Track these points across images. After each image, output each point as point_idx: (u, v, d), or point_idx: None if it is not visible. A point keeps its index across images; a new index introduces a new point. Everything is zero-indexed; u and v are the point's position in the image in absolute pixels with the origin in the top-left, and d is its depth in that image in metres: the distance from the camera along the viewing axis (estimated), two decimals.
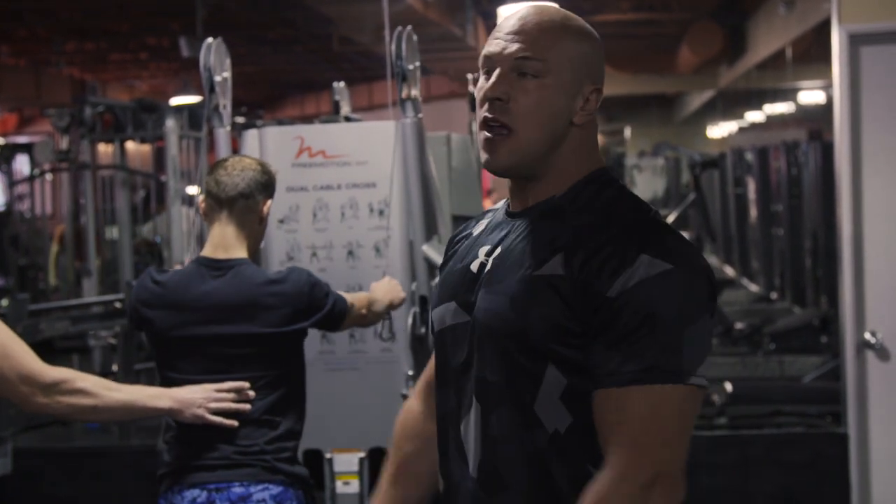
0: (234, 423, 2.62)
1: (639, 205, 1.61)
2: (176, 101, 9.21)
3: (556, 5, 1.68)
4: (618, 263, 1.50)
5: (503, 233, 1.66)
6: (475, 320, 1.62)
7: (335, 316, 2.82)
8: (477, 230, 1.75)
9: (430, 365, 1.80)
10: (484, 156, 1.62)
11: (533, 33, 1.59)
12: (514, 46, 1.59)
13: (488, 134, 1.60)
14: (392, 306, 3.15)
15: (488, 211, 1.80)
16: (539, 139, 1.60)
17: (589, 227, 1.56)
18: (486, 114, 1.60)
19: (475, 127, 1.81)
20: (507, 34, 1.60)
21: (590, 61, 1.63)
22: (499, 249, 1.64)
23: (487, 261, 1.64)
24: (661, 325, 1.48)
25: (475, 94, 1.64)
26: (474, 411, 1.61)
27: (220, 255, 2.74)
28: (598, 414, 1.52)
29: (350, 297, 2.93)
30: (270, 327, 2.69)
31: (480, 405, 1.60)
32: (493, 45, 1.61)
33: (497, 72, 1.59)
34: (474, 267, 1.66)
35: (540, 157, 1.61)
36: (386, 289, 3.15)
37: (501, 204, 1.76)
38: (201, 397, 2.58)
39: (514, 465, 1.58)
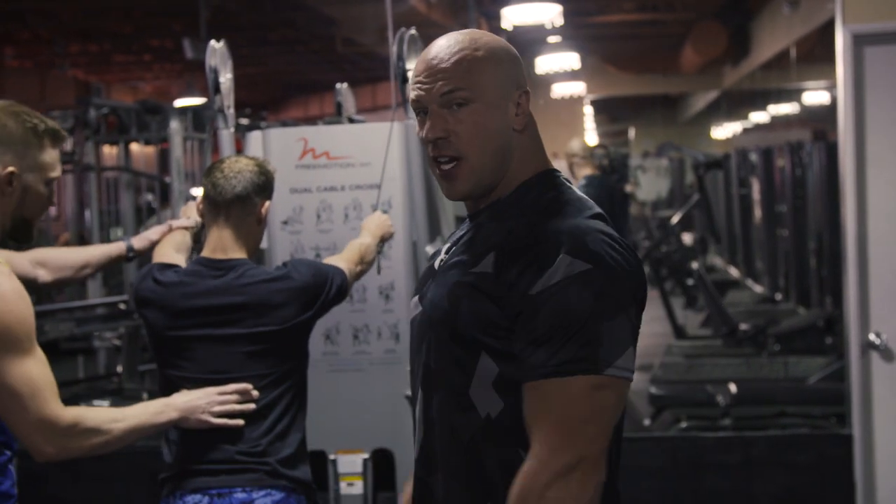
0: (240, 422, 2.60)
1: (575, 206, 1.70)
2: (180, 102, 9.23)
3: (466, 31, 1.76)
4: (540, 263, 1.61)
5: (461, 232, 1.82)
6: (424, 311, 1.77)
7: (338, 294, 2.83)
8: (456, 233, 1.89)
9: None
10: (444, 187, 1.75)
11: (450, 67, 1.70)
12: (437, 84, 1.70)
13: (444, 167, 1.72)
14: (384, 241, 3.22)
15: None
16: (489, 159, 1.71)
17: (521, 227, 1.67)
18: (434, 153, 1.72)
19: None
20: (427, 76, 1.71)
21: (509, 71, 1.74)
22: (454, 248, 1.78)
23: (445, 259, 1.79)
24: (577, 321, 1.58)
25: (418, 135, 1.75)
26: (420, 395, 1.76)
27: (220, 256, 2.74)
28: (524, 406, 1.62)
29: (344, 261, 2.93)
30: (279, 324, 2.67)
31: (423, 390, 1.75)
32: (417, 90, 1.73)
33: (429, 113, 1.71)
34: (436, 265, 1.82)
35: (494, 172, 1.73)
36: (377, 224, 3.21)
37: None
38: (204, 402, 2.56)
39: (445, 447, 1.70)
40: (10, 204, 2.25)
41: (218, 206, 2.73)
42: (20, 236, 2.30)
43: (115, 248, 2.93)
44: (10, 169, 2.23)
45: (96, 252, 2.91)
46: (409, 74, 3.41)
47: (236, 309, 2.67)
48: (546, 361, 1.58)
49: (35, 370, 2.14)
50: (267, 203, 2.80)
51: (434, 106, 1.71)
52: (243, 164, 2.78)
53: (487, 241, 1.70)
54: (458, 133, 1.70)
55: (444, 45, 1.73)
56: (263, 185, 2.78)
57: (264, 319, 2.67)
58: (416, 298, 1.83)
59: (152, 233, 3.05)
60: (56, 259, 2.80)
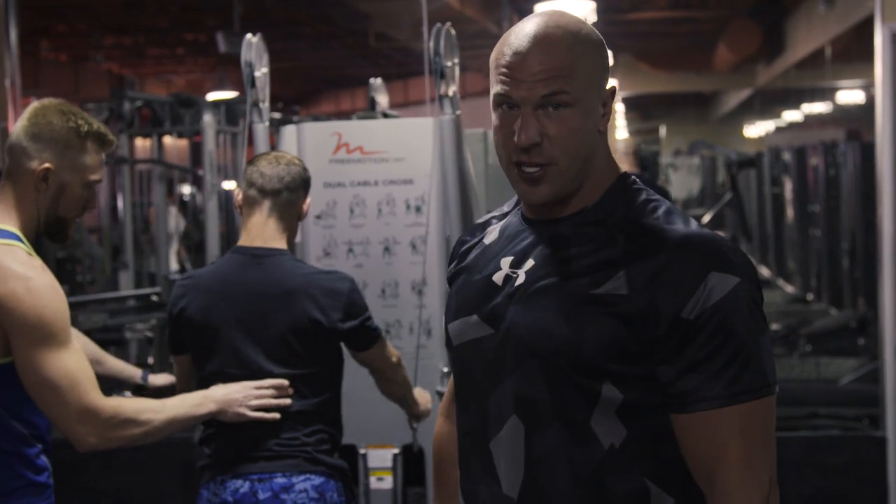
0: (276, 415, 2.61)
1: (679, 213, 1.58)
2: (212, 96, 9.28)
3: (559, 17, 1.56)
4: (688, 283, 1.49)
5: (527, 242, 1.62)
6: (510, 335, 1.57)
7: (368, 332, 2.77)
8: (489, 238, 1.71)
9: (451, 386, 1.78)
10: (525, 189, 1.57)
11: (550, 64, 1.51)
12: (537, 85, 1.51)
13: (528, 170, 1.55)
14: (419, 414, 3.07)
15: (491, 218, 1.76)
16: (578, 165, 1.56)
17: (644, 244, 1.53)
18: (521, 158, 1.54)
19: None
20: (524, 72, 1.52)
21: (603, 67, 1.58)
22: (530, 261, 1.59)
23: (517, 273, 1.60)
24: (742, 341, 1.49)
25: (497, 130, 1.57)
26: (511, 430, 1.57)
27: (259, 244, 2.74)
28: (690, 438, 1.52)
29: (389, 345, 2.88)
30: (311, 315, 2.66)
31: (524, 424, 1.56)
32: (510, 86, 1.53)
33: (523, 113, 1.53)
34: (498, 279, 1.62)
35: (578, 177, 1.57)
36: (419, 393, 3.10)
37: (508, 210, 1.74)
38: (241, 396, 2.57)
39: (561, 482, 1.54)
40: (44, 200, 2.26)
41: (265, 193, 2.74)
42: (55, 235, 2.30)
43: (131, 370, 2.87)
44: (46, 165, 2.24)
45: (114, 362, 2.85)
46: (448, 69, 3.41)
47: (272, 297, 2.67)
48: (715, 390, 1.48)
49: (72, 362, 2.16)
50: (308, 199, 2.81)
51: (528, 107, 1.52)
52: (289, 157, 2.80)
53: (604, 257, 1.54)
54: (551, 137, 1.52)
55: (543, 36, 1.52)
56: (307, 180, 2.80)
57: (297, 309, 2.66)
58: (475, 318, 1.62)
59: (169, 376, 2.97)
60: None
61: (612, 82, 1.61)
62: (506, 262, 1.62)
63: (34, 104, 2.29)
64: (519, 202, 1.71)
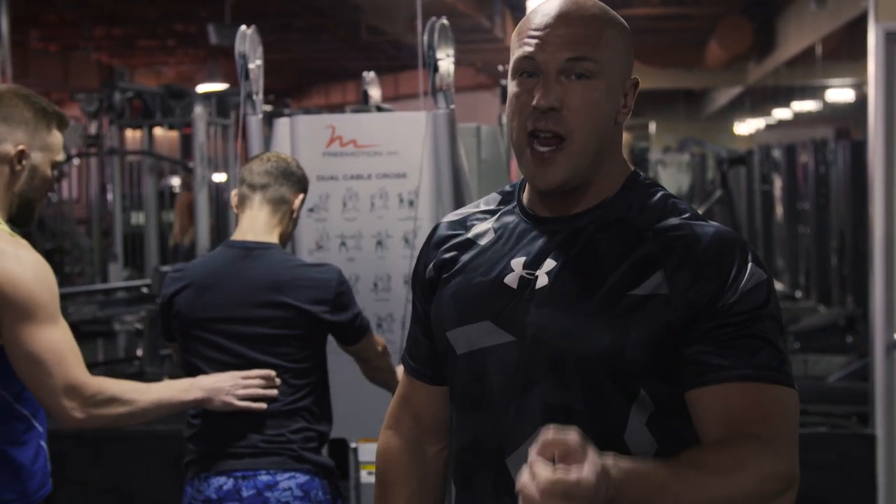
0: (263, 406, 2.61)
1: (693, 211, 1.53)
2: (203, 88, 9.26)
3: None
4: (727, 273, 1.43)
5: (541, 242, 1.52)
6: (538, 341, 1.47)
7: (356, 326, 2.76)
8: (484, 239, 1.58)
9: (403, 396, 1.72)
10: (535, 171, 1.48)
11: (582, 32, 1.46)
12: (563, 47, 1.45)
13: (540, 148, 1.46)
14: None
15: (471, 215, 1.63)
16: (592, 146, 1.47)
17: (677, 241, 1.46)
18: (538, 125, 1.46)
19: (505, 119, 1.65)
20: (552, 34, 1.46)
21: (629, 54, 1.52)
22: (550, 262, 1.49)
23: (535, 275, 1.49)
24: (769, 331, 1.43)
25: (512, 99, 1.50)
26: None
27: (250, 238, 2.74)
28: (718, 405, 1.40)
29: (378, 343, 2.88)
30: (299, 307, 2.64)
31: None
32: (535, 48, 1.46)
33: (545, 77, 1.46)
34: (511, 281, 1.51)
35: (591, 163, 1.49)
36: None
37: (488, 208, 1.62)
38: (229, 385, 2.58)
39: None
40: (17, 183, 2.26)
41: (254, 188, 2.74)
42: (23, 218, 2.30)
43: None
44: (21, 147, 2.24)
45: None
46: (441, 63, 3.41)
47: (261, 289, 2.66)
48: (757, 361, 1.40)
49: (59, 337, 2.16)
50: (301, 196, 2.79)
51: (551, 71, 1.45)
52: (281, 155, 2.83)
53: (636, 257, 1.46)
54: (570, 107, 1.45)
55: (574, 5, 1.48)
56: (300, 176, 2.79)
57: (284, 297, 2.65)
58: (489, 324, 1.50)
59: None
60: None
61: (635, 75, 1.54)
62: (517, 263, 1.51)
63: None
64: (509, 200, 1.61)
